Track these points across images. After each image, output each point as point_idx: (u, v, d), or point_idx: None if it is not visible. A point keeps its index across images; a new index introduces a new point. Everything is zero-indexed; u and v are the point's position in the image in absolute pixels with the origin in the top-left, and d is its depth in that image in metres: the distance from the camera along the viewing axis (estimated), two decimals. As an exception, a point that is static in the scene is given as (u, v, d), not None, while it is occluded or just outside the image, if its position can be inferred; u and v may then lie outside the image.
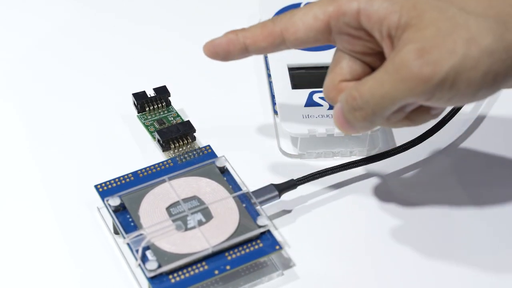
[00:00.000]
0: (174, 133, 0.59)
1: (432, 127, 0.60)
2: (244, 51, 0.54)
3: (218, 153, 0.57)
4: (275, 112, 0.63)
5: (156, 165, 0.56)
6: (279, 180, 0.56)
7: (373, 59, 0.52)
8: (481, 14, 0.48)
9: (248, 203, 0.54)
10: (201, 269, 0.51)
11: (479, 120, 0.63)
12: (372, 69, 0.52)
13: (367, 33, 0.51)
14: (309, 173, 0.57)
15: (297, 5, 0.68)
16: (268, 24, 0.53)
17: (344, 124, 0.51)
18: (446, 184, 0.59)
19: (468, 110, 0.63)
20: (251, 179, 0.56)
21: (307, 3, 0.67)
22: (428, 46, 0.47)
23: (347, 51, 0.52)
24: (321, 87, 0.61)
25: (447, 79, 0.47)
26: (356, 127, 0.50)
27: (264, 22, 0.53)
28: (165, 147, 0.59)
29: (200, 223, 0.53)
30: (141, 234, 0.52)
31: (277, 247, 0.52)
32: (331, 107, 0.60)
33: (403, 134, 0.61)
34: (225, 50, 0.54)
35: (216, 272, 0.51)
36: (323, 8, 0.51)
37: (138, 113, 0.62)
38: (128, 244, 0.52)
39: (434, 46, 0.47)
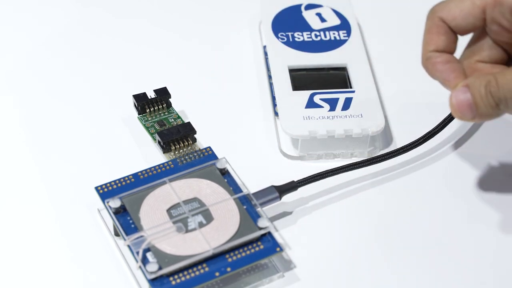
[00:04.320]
0: (174, 134, 0.59)
1: (433, 128, 0.60)
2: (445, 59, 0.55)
3: (218, 154, 0.57)
4: (276, 114, 0.63)
5: (157, 167, 0.56)
6: (280, 181, 0.56)
7: None
8: None
9: (248, 205, 0.54)
10: (201, 271, 0.51)
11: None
12: (509, 57, 0.55)
13: None
14: (310, 174, 0.57)
15: (297, 7, 0.68)
16: (431, 25, 0.55)
17: (468, 109, 0.52)
18: (448, 185, 0.59)
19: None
20: (252, 181, 0.56)
21: (308, 4, 0.68)
22: None
23: (492, 37, 0.54)
24: (321, 88, 0.62)
25: None
26: (482, 112, 0.51)
27: (427, 24, 0.56)
28: (165, 148, 0.59)
29: (201, 225, 0.53)
30: (141, 236, 0.52)
31: (278, 249, 0.52)
32: (331, 109, 0.60)
33: (403, 136, 0.61)
34: (446, 68, 0.55)
35: (217, 274, 0.51)
36: None
37: (138, 114, 0.62)
38: (128, 246, 0.52)
39: None
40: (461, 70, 0.55)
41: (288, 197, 0.57)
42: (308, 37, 0.66)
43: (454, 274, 0.54)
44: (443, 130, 0.60)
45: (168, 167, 0.56)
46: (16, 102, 0.64)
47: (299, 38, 0.66)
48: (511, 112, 0.52)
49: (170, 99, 0.62)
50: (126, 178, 0.55)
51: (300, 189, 0.57)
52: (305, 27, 0.67)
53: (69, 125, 0.62)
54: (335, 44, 0.65)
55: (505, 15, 0.53)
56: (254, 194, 0.55)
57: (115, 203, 0.54)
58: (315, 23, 0.67)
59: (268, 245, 0.52)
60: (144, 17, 0.71)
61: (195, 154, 0.57)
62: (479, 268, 0.54)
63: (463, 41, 0.57)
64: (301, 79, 0.63)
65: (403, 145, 0.59)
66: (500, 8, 0.53)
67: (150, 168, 0.56)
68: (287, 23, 0.67)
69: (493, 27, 0.54)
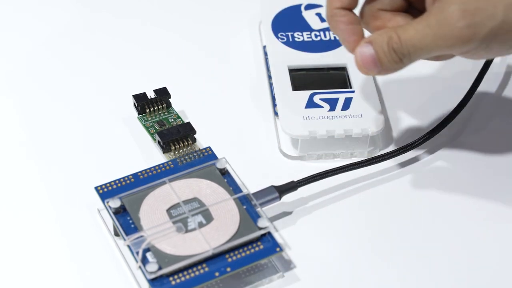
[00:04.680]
0: (174, 134, 0.59)
1: (433, 128, 0.60)
2: (351, 11, 0.56)
3: (218, 154, 0.57)
4: (276, 114, 0.63)
5: (157, 167, 0.56)
6: (280, 181, 0.56)
7: None
8: None
9: (248, 205, 0.54)
10: (201, 271, 0.51)
11: (481, 120, 0.63)
12: (409, 4, 0.56)
13: None
14: (309, 174, 0.57)
15: (297, 7, 0.68)
16: None
17: (372, 65, 0.53)
18: (448, 185, 0.58)
19: (470, 111, 0.63)
20: (252, 181, 0.56)
21: (308, 4, 0.68)
22: (472, 8, 0.50)
23: None
24: (321, 88, 0.62)
25: (484, 41, 0.51)
26: (386, 67, 0.53)
27: None
28: (165, 148, 0.59)
29: (201, 225, 0.53)
30: (141, 236, 0.52)
31: (278, 249, 0.52)
32: (331, 109, 0.60)
33: (404, 136, 0.61)
34: (350, 28, 0.55)
35: (217, 274, 0.51)
36: None
37: (138, 114, 0.62)
38: (128, 246, 0.52)
39: (477, 9, 0.50)
40: (361, 33, 0.55)
41: (288, 197, 0.57)
42: (308, 37, 0.66)
43: (455, 275, 0.54)
44: (443, 130, 0.60)
45: (168, 167, 0.56)
46: (16, 102, 0.64)
47: (299, 38, 0.65)
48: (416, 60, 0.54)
49: (170, 99, 0.62)
50: (126, 178, 0.55)
51: (300, 189, 0.57)
52: (305, 27, 0.66)
53: (69, 125, 0.62)
54: (335, 44, 0.65)
55: None
56: (254, 194, 0.55)
57: (115, 203, 0.53)
58: (315, 23, 0.67)
59: (268, 245, 0.52)
60: (144, 17, 0.71)
61: (195, 154, 0.57)
62: (481, 268, 0.54)
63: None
64: (301, 79, 0.63)
65: (403, 145, 0.59)
66: None
67: (150, 168, 0.56)
68: (287, 23, 0.67)
69: None
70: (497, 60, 0.66)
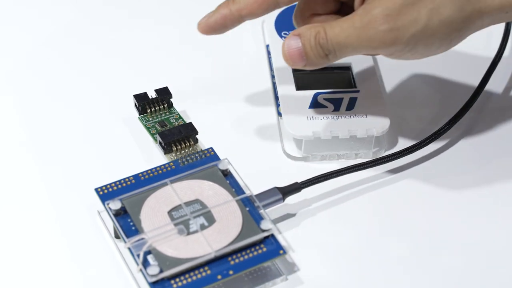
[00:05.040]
0: (176, 135, 0.59)
1: (439, 129, 0.60)
2: (239, 21, 0.57)
3: (220, 155, 0.57)
4: (279, 114, 0.62)
5: (158, 168, 0.56)
6: (283, 183, 0.56)
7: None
8: None
9: (251, 207, 0.54)
10: (203, 274, 0.51)
11: (487, 120, 0.63)
12: (342, 3, 0.58)
13: None
14: (313, 176, 0.57)
15: (301, 5, 0.67)
16: None
17: (299, 57, 0.54)
18: (454, 186, 0.58)
19: (476, 111, 0.62)
20: (255, 182, 0.56)
21: None
22: (395, 13, 0.52)
23: None
24: (326, 88, 0.61)
25: (408, 44, 0.52)
26: (312, 61, 0.54)
27: None
28: (167, 149, 0.58)
29: (203, 227, 0.52)
30: (142, 238, 0.52)
31: (281, 251, 0.52)
32: (336, 109, 0.59)
33: (409, 136, 0.61)
34: (221, 25, 0.57)
35: (219, 277, 0.51)
36: None
37: (139, 114, 0.61)
38: (129, 248, 0.52)
39: (401, 14, 0.52)
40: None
41: (291, 199, 0.56)
42: (311, 36, 0.65)
43: (461, 275, 0.53)
44: (448, 131, 0.60)
45: (169, 168, 0.56)
46: (16, 102, 0.64)
47: (302, 37, 0.65)
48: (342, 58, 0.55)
49: (171, 99, 0.62)
50: (127, 180, 0.55)
51: (303, 190, 0.56)
52: (309, 26, 0.66)
53: (69, 126, 0.62)
54: (339, 43, 0.65)
55: None
56: (256, 195, 0.55)
57: (116, 205, 0.53)
58: (318, 22, 0.66)
59: (271, 248, 0.52)
60: (145, 17, 0.71)
61: (196, 155, 0.57)
62: (488, 267, 0.54)
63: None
64: (305, 78, 0.63)
65: (408, 146, 0.59)
66: None
67: (151, 169, 0.56)
68: (291, 22, 0.66)
69: None
70: (504, 59, 0.65)
